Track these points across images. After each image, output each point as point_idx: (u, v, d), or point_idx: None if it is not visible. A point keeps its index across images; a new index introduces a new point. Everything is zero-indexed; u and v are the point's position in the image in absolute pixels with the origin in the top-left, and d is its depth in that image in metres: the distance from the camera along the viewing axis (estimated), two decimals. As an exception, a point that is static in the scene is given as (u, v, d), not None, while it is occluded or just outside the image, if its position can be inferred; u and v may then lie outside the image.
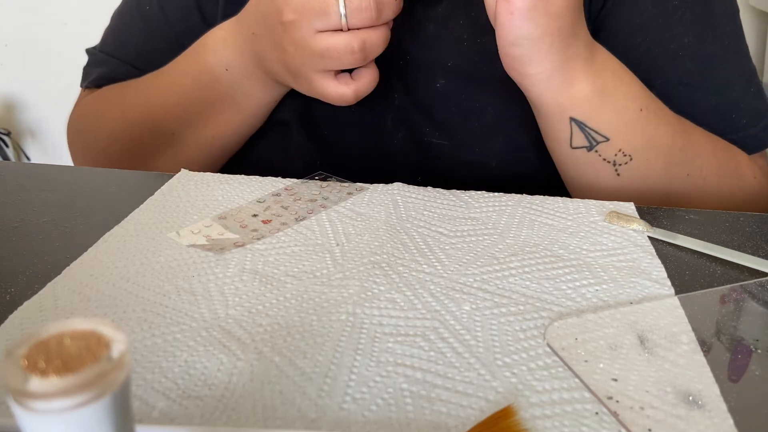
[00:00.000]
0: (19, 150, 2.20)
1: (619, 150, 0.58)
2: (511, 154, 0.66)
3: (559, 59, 0.53)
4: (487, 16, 0.63)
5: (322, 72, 0.57)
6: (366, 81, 0.58)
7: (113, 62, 0.75)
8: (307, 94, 0.60)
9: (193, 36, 0.70)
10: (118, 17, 0.77)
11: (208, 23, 0.70)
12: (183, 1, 0.72)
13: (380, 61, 0.63)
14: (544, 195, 0.57)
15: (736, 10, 0.66)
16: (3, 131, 2.13)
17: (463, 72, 0.65)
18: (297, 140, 0.69)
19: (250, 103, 0.66)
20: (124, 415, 0.20)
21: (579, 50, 0.54)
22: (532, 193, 0.60)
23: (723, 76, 0.65)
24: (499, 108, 0.65)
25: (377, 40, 0.55)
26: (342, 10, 0.52)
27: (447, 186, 0.59)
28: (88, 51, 0.78)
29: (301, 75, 0.58)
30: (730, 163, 0.64)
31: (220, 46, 0.63)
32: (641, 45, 0.64)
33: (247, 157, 0.72)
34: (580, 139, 0.58)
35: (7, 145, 2.13)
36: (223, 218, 0.52)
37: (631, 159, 0.58)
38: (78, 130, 0.78)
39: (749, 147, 0.67)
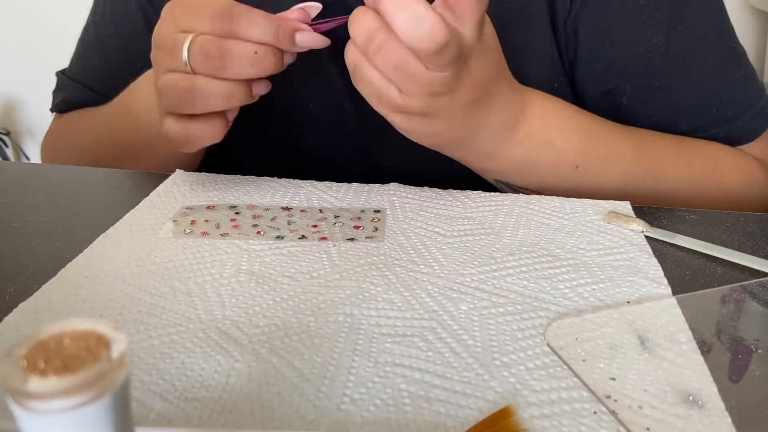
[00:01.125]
0: (19, 150, 2.20)
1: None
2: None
3: (464, 147, 0.54)
4: None
5: (166, 113, 0.53)
6: (200, 126, 0.52)
7: (76, 87, 0.76)
8: (161, 136, 0.55)
9: (147, 59, 0.70)
10: (80, 42, 0.78)
11: None
12: (134, 25, 0.71)
13: (332, 86, 0.63)
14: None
15: None
16: (3, 131, 2.13)
17: None
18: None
19: (170, 150, 0.62)
20: (123, 415, 0.20)
21: (487, 128, 0.53)
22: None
23: (699, 70, 0.63)
24: None
25: (213, 90, 0.50)
26: (185, 53, 0.49)
27: (444, 186, 0.59)
28: (57, 74, 0.79)
29: (159, 116, 0.55)
30: (706, 169, 0.63)
31: (142, 87, 0.62)
32: (608, 50, 0.62)
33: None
34: (507, 189, 0.59)
35: (6, 145, 2.14)
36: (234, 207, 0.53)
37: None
38: (50, 154, 0.79)
39: (738, 138, 0.65)
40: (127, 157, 0.67)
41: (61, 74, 0.78)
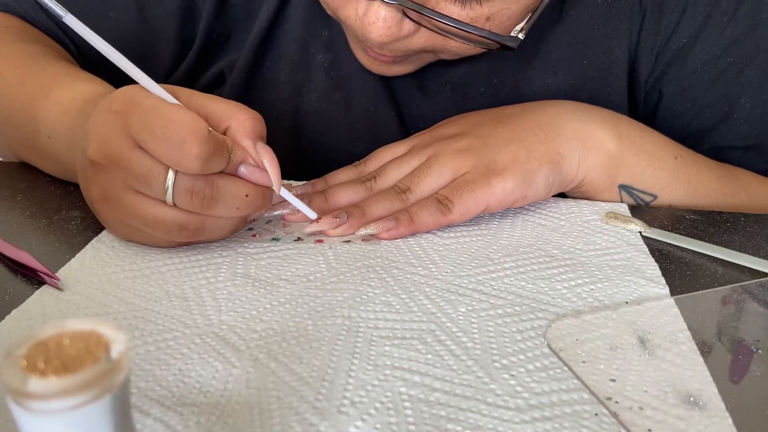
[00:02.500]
0: (19, 150, 2.19)
1: (669, 205, 0.58)
2: None
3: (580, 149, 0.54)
4: (511, 82, 0.62)
5: (139, 230, 0.46)
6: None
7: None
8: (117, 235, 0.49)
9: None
10: None
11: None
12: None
13: (393, 129, 0.63)
14: None
15: None
16: (3, 131, 2.11)
17: None
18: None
19: (70, 170, 0.52)
20: (123, 415, 0.20)
21: (593, 121, 0.55)
22: None
23: None
24: None
25: (215, 225, 0.45)
26: (169, 187, 0.42)
27: None
28: None
29: (109, 223, 0.47)
30: None
31: (54, 110, 0.53)
32: (690, 110, 0.62)
33: None
34: (630, 203, 0.58)
35: (7, 145, 2.12)
36: None
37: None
38: None
39: None
40: (24, 149, 0.61)
41: None
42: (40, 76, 0.58)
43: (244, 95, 0.66)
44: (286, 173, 0.49)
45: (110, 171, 0.43)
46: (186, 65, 0.67)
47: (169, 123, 0.40)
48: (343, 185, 0.53)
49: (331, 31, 0.64)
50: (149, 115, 0.41)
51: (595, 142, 0.54)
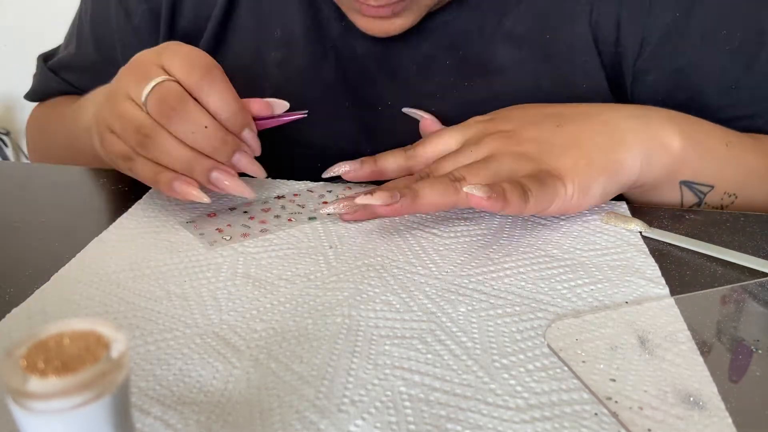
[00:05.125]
0: (19, 150, 2.20)
1: (724, 193, 0.58)
2: None
3: (644, 149, 0.53)
4: (476, 56, 0.62)
5: (109, 132, 0.51)
6: (141, 168, 0.50)
7: (49, 76, 0.78)
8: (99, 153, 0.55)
9: (111, 55, 0.72)
10: (68, 31, 0.79)
11: (123, 44, 0.71)
12: (108, 16, 0.72)
13: (353, 117, 0.63)
14: None
15: None
16: (3, 131, 2.13)
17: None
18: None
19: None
20: (123, 415, 0.20)
21: (649, 123, 0.54)
22: None
23: None
24: None
25: (164, 146, 0.49)
26: (146, 90, 0.48)
27: None
28: (38, 58, 0.80)
29: (99, 127, 0.53)
30: None
31: (88, 107, 0.62)
32: (687, 86, 0.62)
33: None
34: (690, 198, 0.57)
35: (6, 145, 2.14)
36: (232, 209, 0.54)
37: (736, 197, 0.58)
38: (29, 141, 0.83)
39: None
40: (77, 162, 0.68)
41: (41, 60, 0.79)
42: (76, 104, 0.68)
43: None
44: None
45: (122, 78, 0.51)
46: None
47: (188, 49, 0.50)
48: (396, 182, 0.53)
49: (283, 29, 0.65)
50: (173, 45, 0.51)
51: (659, 143, 0.54)
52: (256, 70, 0.66)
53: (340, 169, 0.54)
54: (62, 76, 0.77)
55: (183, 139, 0.48)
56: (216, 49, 0.66)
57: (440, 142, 0.55)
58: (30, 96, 0.81)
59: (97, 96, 0.62)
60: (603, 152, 0.52)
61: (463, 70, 0.63)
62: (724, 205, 0.58)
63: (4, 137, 2.13)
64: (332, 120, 0.66)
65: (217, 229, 0.51)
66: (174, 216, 0.53)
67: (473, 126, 0.55)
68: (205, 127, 0.48)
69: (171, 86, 0.48)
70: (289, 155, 0.63)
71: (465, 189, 0.46)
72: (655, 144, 0.53)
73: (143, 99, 0.48)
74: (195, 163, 0.49)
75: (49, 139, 0.76)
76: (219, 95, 0.49)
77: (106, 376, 0.20)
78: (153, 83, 0.48)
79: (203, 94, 0.49)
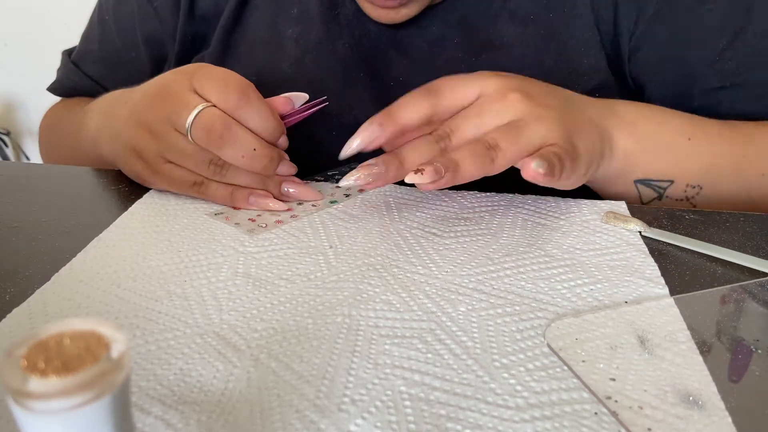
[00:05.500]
0: (19, 150, 2.20)
1: (686, 185, 0.58)
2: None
3: (597, 150, 0.54)
4: (483, 33, 0.63)
5: (164, 162, 0.54)
6: (214, 191, 0.54)
7: (72, 71, 0.79)
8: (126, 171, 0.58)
9: (139, 49, 0.73)
10: (88, 24, 0.80)
11: (151, 42, 0.74)
12: (132, 11, 0.74)
13: (366, 87, 0.64)
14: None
15: None
16: (3, 131, 2.13)
17: None
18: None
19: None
20: (123, 415, 0.20)
21: (602, 124, 0.55)
22: (527, 187, 0.61)
23: None
24: None
25: (236, 171, 0.53)
26: (189, 120, 0.50)
27: None
28: (63, 53, 0.81)
29: (124, 148, 0.56)
30: None
31: (93, 116, 0.64)
32: (674, 58, 0.63)
33: None
34: (648, 193, 0.58)
35: (6, 145, 2.14)
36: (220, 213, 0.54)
37: (700, 188, 0.59)
38: (40, 138, 0.83)
39: None
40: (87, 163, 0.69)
41: (66, 54, 0.80)
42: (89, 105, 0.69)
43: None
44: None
45: (155, 107, 0.52)
46: (168, 67, 0.74)
47: (221, 71, 0.51)
48: (416, 145, 0.49)
49: (300, 7, 0.68)
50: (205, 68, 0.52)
51: (611, 144, 0.55)
52: (274, 45, 0.68)
53: (359, 140, 0.49)
54: (83, 69, 0.78)
55: (233, 163, 0.51)
56: (235, 27, 0.69)
57: (461, 92, 0.51)
58: (53, 89, 0.81)
59: (101, 106, 0.64)
60: (598, 140, 0.53)
61: (470, 46, 0.65)
62: (689, 196, 0.59)
63: (4, 137, 2.14)
64: (347, 89, 0.67)
65: (249, 219, 0.53)
66: (175, 216, 0.53)
67: (488, 79, 0.51)
68: (254, 150, 0.50)
69: (214, 113, 0.49)
70: (306, 123, 0.64)
71: (533, 166, 0.45)
72: (610, 143, 0.55)
73: (187, 127, 0.49)
74: (267, 180, 0.54)
75: (59, 138, 0.77)
76: (259, 116, 0.50)
77: (107, 376, 0.20)
78: (195, 112, 0.49)
79: (243, 117, 0.50)
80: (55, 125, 0.79)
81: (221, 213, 0.53)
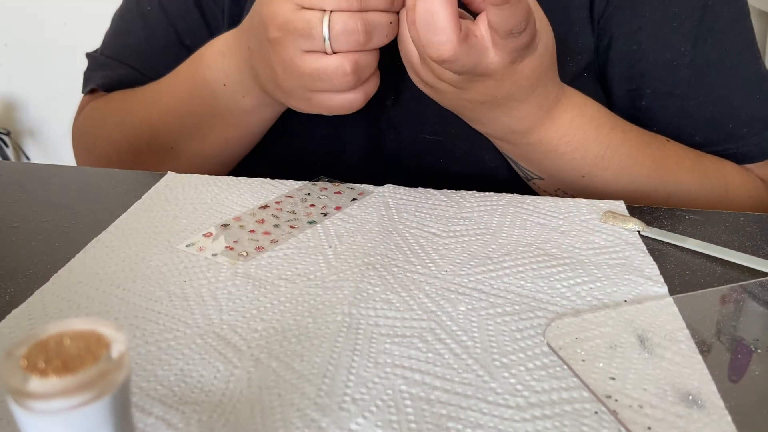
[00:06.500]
0: (19, 150, 2.21)
1: (557, 189, 0.61)
2: None
3: (485, 123, 0.56)
4: (480, 11, 0.64)
5: (317, 91, 0.53)
6: (373, 83, 0.55)
7: (114, 65, 0.75)
8: (306, 111, 0.57)
9: (194, 35, 0.70)
10: (119, 19, 0.78)
11: (208, 22, 0.72)
12: (183, 0, 0.72)
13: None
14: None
15: (745, 14, 0.65)
16: (3, 131, 2.14)
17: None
18: (291, 139, 0.70)
19: (249, 120, 0.64)
20: (123, 415, 0.20)
21: (515, 109, 0.54)
22: (526, 186, 0.61)
23: (721, 84, 0.64)
24: None
25: (369, 61, 0.52)
26: (326, 33, 0.49)
27: (441, 181, 0.60)
28: (89, 55, 0.78)
29: (295, 96, 0.55)
30: (718, 188, 0.64)
31: (218, 60, 0.62)
32: (636, 52, 0.64)
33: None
34: (522, 174, 0.61)
35: (7, 145, 2.15)
36: (226, 226, 0.52)
37: (564, 192, 0.61)
38: (81, 134, 0.78)
39: (747, 157, 0.66)
40: (191, 135, 0.67)
41: (97, 54, 0.78)
42: (180, 71, 0.67)
43: None
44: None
45: (282, 41, 0.51)
46: None
47: None
48: None
49: None
50: None
51: (557, 107, 0.57)
52: None
53: None
54: (127, 62, 0.75)
55: (379, 46, 0.51)
56: None
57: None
58: (101, 84, 0.77)
59: (218, 56, 0.62)
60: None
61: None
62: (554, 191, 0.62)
63: (4, 137, 2.14)
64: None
65: (227, 247, 0.49)
66: (174, 218, 0.53)
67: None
68: (390, 22, 0.51)
69: (344, 17, 0.49)
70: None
71: None
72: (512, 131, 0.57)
73: (327, 43, 0.49)
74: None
75: (122, 119, 0.73)
76: None
77: (107, 376, 0.20)
78: (325, 26, 0.49)
79: (369, 5, 0.50)
80: (111, 113, 0.75)
81: (192, 245, 0.49)
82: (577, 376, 0.36)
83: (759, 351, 0.38)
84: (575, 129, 0.57)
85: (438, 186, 0.59)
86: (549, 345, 0.38)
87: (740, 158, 0.66)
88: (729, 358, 0.38)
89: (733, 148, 0.65)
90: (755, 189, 0.66)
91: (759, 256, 0.48)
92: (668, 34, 0.63)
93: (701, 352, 0.37)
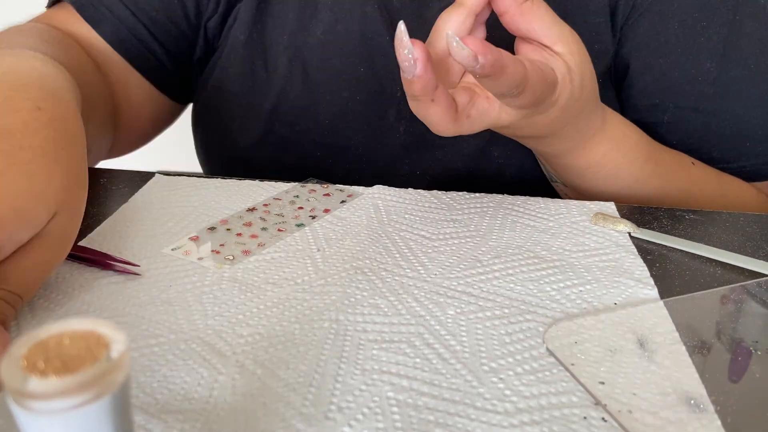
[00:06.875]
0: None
1: (580, 195, 0.64)
2: (511, 141, 0.69)
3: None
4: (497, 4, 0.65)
5: None
6: None
7: None
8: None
9: None
10: None
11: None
12: None
13: (391, 45, 0.67)
14: (542, 180, 0.61)
15: None
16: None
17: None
18: (296, 134, 0.73)
19: None
20: (123, 415, 0.22)
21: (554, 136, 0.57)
22: (530, 181, 0.65)
23: (742, 101, 0.66)
24: None
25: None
26: None
27: (447, 175, 0.63)
28: None
29: None
30: (730, 205, 0.66)
31: None
32: (661, 65, 0.66)
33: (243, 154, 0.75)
34: (544, 169, 0.64)
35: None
36: (213, 229, 0.53)
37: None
38: None
39: (759, 174, 0.68)
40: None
41: None
42: None
43: (254, 29, 0.71)
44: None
45: None
46: (213, 22, 0.74)
47: None
48: None
49: None
50: None
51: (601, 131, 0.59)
52: (308, 12, 0.71)
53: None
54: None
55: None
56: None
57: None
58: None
59: None
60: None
61: (488, 21, 0.67)
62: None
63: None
64: (373, 53, 0.70)
65: (213, 251, 0.50)
66: (161, 222, 0.54)
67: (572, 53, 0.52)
68: None
69: None
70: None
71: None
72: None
73: None
74: None
75: None
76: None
77: (106, 376, 0.21)
78: None
79: None
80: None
81: (179, 248, 0.50)
82: (577, 380, 0.37)
83: (758, 353, 0.39)
84: (607, 160, 0.60)
85: (442, 180, 0.61)
86: (548, 349, 0.39)
87: (753, 176, 0.69)
88: (728, 360, 0.39)
89: (747, 165, 0.68)
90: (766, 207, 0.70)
91: (759, 257, 0.49)
92: (695, 49, 0.65)
93: (696, 355, 0.39)
